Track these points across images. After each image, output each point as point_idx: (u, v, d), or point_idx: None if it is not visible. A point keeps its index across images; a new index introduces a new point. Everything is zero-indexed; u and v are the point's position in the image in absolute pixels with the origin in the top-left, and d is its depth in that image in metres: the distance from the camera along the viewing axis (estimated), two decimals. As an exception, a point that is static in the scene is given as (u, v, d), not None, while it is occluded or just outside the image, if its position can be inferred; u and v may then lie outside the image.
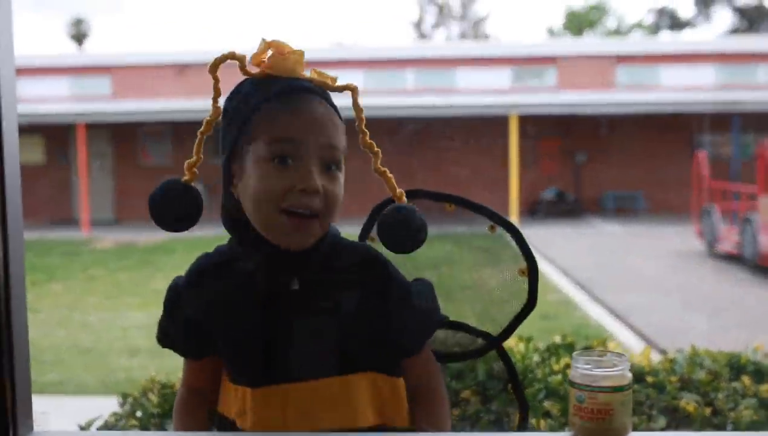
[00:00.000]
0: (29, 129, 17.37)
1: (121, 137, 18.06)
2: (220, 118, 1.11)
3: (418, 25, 37.08)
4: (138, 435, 1.87)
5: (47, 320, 7.39)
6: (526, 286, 1.21)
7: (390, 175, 1.13)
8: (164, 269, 10.60)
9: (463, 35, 36.55)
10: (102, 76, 18.71)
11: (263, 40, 1.09)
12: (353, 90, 1.11)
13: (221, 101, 1.11)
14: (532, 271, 1.20)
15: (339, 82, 1.12)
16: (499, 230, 1.22)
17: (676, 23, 34.78)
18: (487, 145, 16.38)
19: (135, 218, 17.75)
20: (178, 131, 17.81)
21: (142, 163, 18.22)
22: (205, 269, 1.15)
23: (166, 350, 1.21)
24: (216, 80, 1.07)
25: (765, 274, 9.53)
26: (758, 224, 9.82)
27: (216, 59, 1.07)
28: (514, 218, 13.92)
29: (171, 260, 11.52)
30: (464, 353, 1.28)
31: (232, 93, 1.12)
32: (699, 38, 33.17)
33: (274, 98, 1.07)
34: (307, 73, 1.11)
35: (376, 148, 1.13)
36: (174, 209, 1.08)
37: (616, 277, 9.93)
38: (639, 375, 2.28)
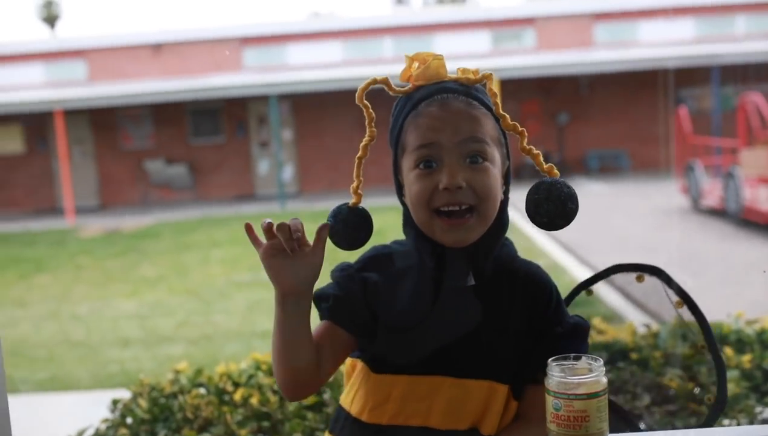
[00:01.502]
0: (7, 118, 17.16)
1: (101, 122, 17.87)
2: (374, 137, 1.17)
3: (394, -10, 36.67)
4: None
5: (37, 314, 7.38)
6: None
7: (537, 152, 1.15)
8: (151, 254, 10.57)
9: (440, 0, 36.20)
10: (77, 60, 18.45)
11: (407, 56, 1.16)
12: (488, 78, 1.18)
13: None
14: (719, 370, 1.35)
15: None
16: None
17: (653, -24, 34.52)
18: (469, 110, 16.33)
19: (120, 202, 17.65)
20: (157, 113, 17.63)
21: (123, 147, 18.06)
22: (378, 257, 1.21)
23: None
24: (366, 107, 1.14)
25: (749, 228, 9.61)
26: (740, 178, 9.87)
27: (360, 88, 1.12)
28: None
29: (158, 244, 11.49)
30: None
31: (392, 114, 1.20)
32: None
33: (413, 109, 1.14)
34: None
35: (520, 129, 1.15)
36: (350, 231, 1.14)
37: (602, 237, 9.99)
38: (623, 352, 2.31)
